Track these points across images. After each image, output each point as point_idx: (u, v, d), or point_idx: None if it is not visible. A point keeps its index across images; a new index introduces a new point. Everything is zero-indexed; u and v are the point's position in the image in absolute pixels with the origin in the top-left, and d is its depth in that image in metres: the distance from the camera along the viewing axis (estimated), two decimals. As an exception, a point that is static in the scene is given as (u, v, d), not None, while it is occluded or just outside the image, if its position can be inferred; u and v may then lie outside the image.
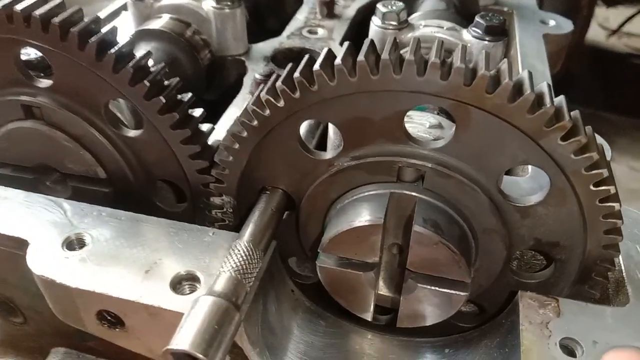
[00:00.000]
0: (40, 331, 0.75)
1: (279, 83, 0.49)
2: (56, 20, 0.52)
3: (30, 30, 0.53)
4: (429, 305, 0.54)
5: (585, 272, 0.54)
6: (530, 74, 0.46)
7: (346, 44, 0.49)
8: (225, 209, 0.60)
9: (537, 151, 0.47)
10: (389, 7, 0.81)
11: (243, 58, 0.88)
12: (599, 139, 0.71)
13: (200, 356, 0.42)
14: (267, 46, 0.92)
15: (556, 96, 0.47)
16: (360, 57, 0.46)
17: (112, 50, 0.52)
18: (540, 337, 0.49)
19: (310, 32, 0.97)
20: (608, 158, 0.70)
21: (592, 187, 0.48)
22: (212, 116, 0.78)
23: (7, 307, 0.74)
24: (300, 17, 1.03)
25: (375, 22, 0.82)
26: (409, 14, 1.00)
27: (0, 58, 0.57)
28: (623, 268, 0.56)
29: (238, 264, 0.49)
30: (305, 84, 0.48)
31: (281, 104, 0.50)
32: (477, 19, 0.78)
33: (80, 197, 0.61)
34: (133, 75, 0.52)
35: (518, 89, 0.44)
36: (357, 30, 0.97)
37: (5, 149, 0.63)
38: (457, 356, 0.58)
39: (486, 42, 0.78)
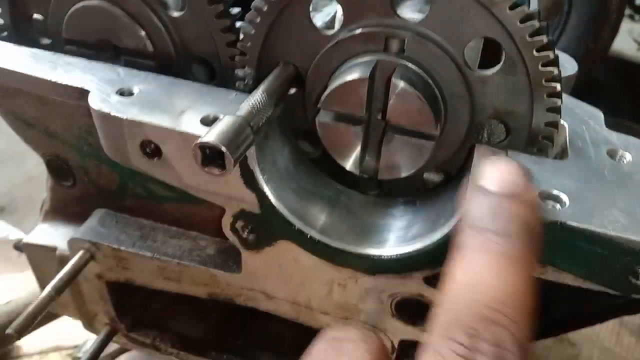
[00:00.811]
0: (85, 193, 0.90)
1: (294, -39, 0.63)
2: None
3: None
4: (403, 156, 0.67)
5: (533, 136, 0.66)
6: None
7: None
8: (246, 81, 0.74)
9: (493, 22, 0.60)
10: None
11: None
12: (565, 57, 0.83)
13: (224, 148, 0.55)
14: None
15: None
16: None
17: None
18: (487, 172, 0.61)
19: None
20: (573, 71, 0.83)
21: (535, 53, 0.60)
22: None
23: (61, 169, 0.89)
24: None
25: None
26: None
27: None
28: (568, 140, 0.68)
29: (255, 102, 0.63)
30: (315, -39, 0.61)
31: (296, -21, 0.63)
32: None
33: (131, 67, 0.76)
34: (181, -44, 0.66)
35: (478, -37, 0.57)
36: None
37: (74, 25, 0.78)
38: (426, 205, 0.71)
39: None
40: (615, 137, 0.68)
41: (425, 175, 0.73)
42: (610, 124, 0.75)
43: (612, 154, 0.65)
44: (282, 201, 0.67)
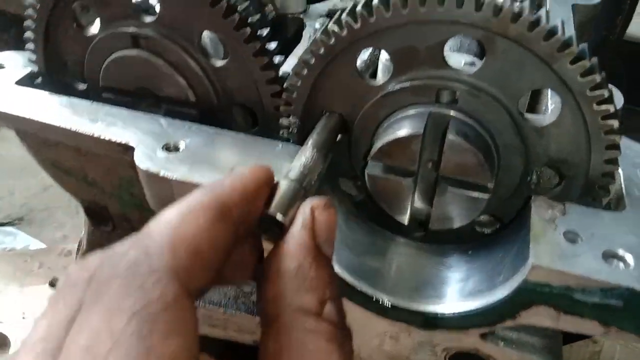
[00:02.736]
0: (125, 238, 0.89)
1: (343, 15, 0.61)
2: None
3: (144, -26, 0.66)
4: (456, 207, 0.66)
5: (589, 186, 0.65)
6: (547, 12, 0.57)
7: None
8: (290, 130, 0.73)
9: (551, 75, 0.58)
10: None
11: (301, 16, 1.01)
12: (611, 87, 0.82)
13: (281, 218, 0.54)
14: (323, 6, 1.04)
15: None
16: (412, -8, 0.57)
17: (210, -11, 0.65)
18: (547, 229, 0.60)
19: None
20: (620, 104, 0.81)
21: (595, 106, 0.58)
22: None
23: (100, 216, 0.88)
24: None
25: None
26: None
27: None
28: (623, 187, 0.67)
29: (305, 162, 0.61)
30: (365, 16, 0.60)
31: (344, 33, 0.62)
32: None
33: (171, 116, 0.75)
34: (226, 10, 0.65)
35: (536, 21, 0.56)
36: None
37: (112, 74, 0.77)
38: (479, 255, 0.70)
39: None
40: (672, 182, 0.67)
41: (477, 222, 0.72)
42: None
43: (671, 202, 0.64)
44: (337, 260, 0.66)
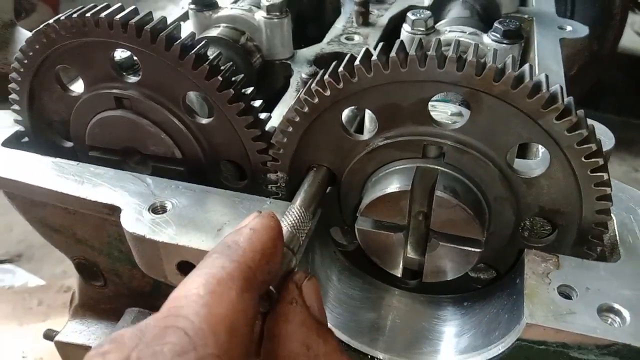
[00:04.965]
0: (117, 293, 0.88)
1: (326, 76, 0.61)
2: (147, 27, 0.65)
3: (126, 35, 0.66)
4: (449, 261, 0.65)
5: (583, 235, 0.64)
6: (530, 67, 0.57)
7: (381, 44, 0.60)
8: (279, 184, 0.72)
9: (538, 130, 0.57)
10: (418, 15, 0.92)
11: (289, 62, 1.01)
12: (602, 128, 0.81)
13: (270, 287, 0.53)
14: (310, 51, 1.04)
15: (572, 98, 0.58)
16: (392, 53, 0.57)
17: (192, 52, 0.65)
18: (541, 284, 0.59)
19: (347, 38, 1.09)
20: (611, 146, 0.80)
21: (583, 159, 0.58)
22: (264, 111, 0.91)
23: (91, 271, 0.87)
24: (338, 25, 1.15)
25: (405, 29, 0.93)
26: (436, 22, 1.12)
27: (98, 58, 0.70)
28: (617, 234, 0.66)
29: (293, 221, 0.60)
30: (348, 77, 0.59)
31: (327, 93, 0.61)
32: (496, 24, 0.89)
33: (158, 175, 0.74)
34: (209, 72, 0.65)
35: (520, 78, 0.55)
36: (390, 36, 1.08)
37: (98, 133, 0.76)
38: (474, 307, 0.69)
39: (504, 45, 0.88)
40: (666, 227, 0.66)
41: (473, 272, 0.71)
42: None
43: (666, 250, 0.63)
44: (335, 322, 0.65)
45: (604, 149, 0.80)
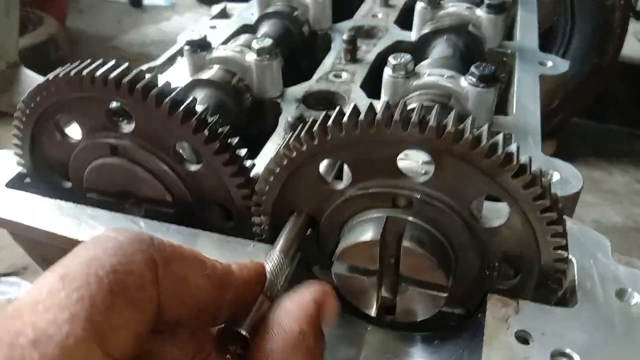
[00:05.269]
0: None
1: (302, 134, 0.66)
2: (139, 85, 0.70)
3: (119, 92, 0.71)
4: (418, 304, 0.69)
5: (543, 280, 0.68)
6: (489, 126, 0.62)
7: (352, 105, 0.65)
8: (262, 227, 0.77)
9: (496, 186, 0.62)
10: (398, 59, 0.97)
11: (279, 100, 1.06)
12: (572, 170, 0.86)
13: (245, 333, 0.58)
14: (299, 89, 1.09)
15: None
16: (360, 117, 0.62)
17: (180, 108, 0.70)
18: (500, 329, 0.63)
19: (335, 76, 1.14)
20: (578, 188, 0.85)
21: (539, 214, 0.62)
22: (255, 147, 0.96)
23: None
24: (327, 62, 1.20)
25: (387, 72, 0.98)
26: (421, 57, 1.17)
27: (95, 110, 0.76)
28: (576, 279, 0.70)
29: (272, 268, 0.65)
30: (322, 135, 0.64)
31: (304, 148, 0.66)
32: (472, 68, 0.94)
33: (151, 215, 0.79)
34: (196, 126, 0.70)
35: (478, 139, 0.60)
36: (377, 73, 1.12)
37: (95, 178, 0.82)
38: (444, 346, 0.73)
39: (479, 89, 0.93)
40: (622, 272, 0.70)
41: (446, 309, 0.75)
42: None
43: (620, 295, 0.67)
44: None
45: (572, 192, 0.85)
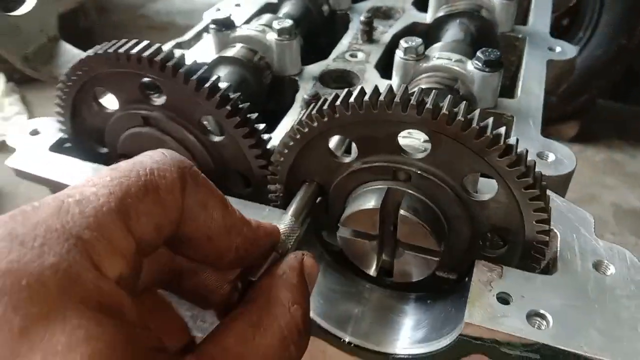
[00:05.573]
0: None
1: (314, 111, 0.74)
2: (169, 63, 0.78)
3: (152, 69, 0.80)
4: (413, 266, 0.78)
5: (527, 251, 0.76)
6: (480, 111, 0.69)
7: (358, 87, 0.72)
8: (277, 194, 0.86)
9: (485, 164, 0.69)
10: (410, 42, 1.03)
11: (297, 78, 1.13)
12: (565, 151, 0.92)
13: (254, 279, 0.67)
14: (316, 68, 1.16)
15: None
16: (365, 98, 0.69)
17: (207, 85, 0.78)
18: (483, 291, 0.71)
19: (351, 55, 1.20)
20: (571, 168, 0.91)
21: (523, 190, 0.69)
22: (273, 121, 1.05)
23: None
24: (344, 41, 1.27)
25: (398, 54, 1.05)
26: (434, 41, 1.23)
27: (129, 85, 0.84)
28: (558, 251, 0.77)
29: (284, 229, 0.74)
30: (331, 113, 0.72)
31: (315, 125, 0.74)
32: (478, 53, 1.00)
33: (177, 181, 0.88)
34: (219, 102, 0.78)
35: (469, 122, 0.67)
36: (391, 53, 1.18)
37: (128, 145, 0.91)
38: (435, 305, 0.82)
39: (484, 73, 0.99)
40: (602, 246, 0.77)
41: (439, 273, 0.83)
42: None
43: (597, 266, 0.74)
44: (315, 310, 0.78)
45: (565, 172, 0.91)
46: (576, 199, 3.50)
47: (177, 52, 0.85)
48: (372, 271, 0.81)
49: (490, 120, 0.69)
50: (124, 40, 0.82)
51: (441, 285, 0.85)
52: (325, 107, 0.72)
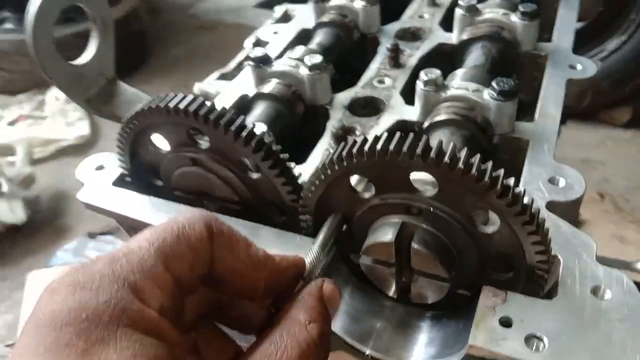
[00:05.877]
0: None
1: (335, 157, 0.84)
2: (211, 116, 0.90)
3: (197, 121, 0.92)
4: (427, 290, 0.88)
5: (530, 276, 0.84)
6: (479, 158, 0.77)
7: (374, 135, 0.82)
8: (307, 223, 0.97)
9: (486, 203, 0.78)
10: (429, 75, 1.12)
11: (327, 106, 1.24)
12: (576, 176, 0.99)
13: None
14: (345, 96, 1.26)
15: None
16: (378, 146, 0.79)
17: (244, 133, 0.90)
18: (488, 315, 0.80)
19: (379, 81, 1.30)
20: (581, 192, 0.98)
21: (521, 226, 0.78)
22: (306, 147, 1.16)
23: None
24: (373, 66, 1.36)
25: (419, 85, 1.13)
26: (459, 61, 1.30)
27: (178, 132, 0.98)
28: (560, 276, 0.85)
29: (311, 259, 0.85)
30: (349, 159, 0.82)
31: (336, 167, 0.85)
32: (493, 84, 1.07)
33: (222, 211, 1.01)
34: (255, 147, 0.90)
35: (468, 169, 0.76)
36: (415, 78, 1.27)
37: (180, 181, 1.04)
38: (450, 322, 0.91)
39: (499, 102, 1.07)
40: (601, 271, 0.84)
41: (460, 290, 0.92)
42: None
43: (595, 291, 0.82)
44: (341, 328, 0.90)
45: (574, 197, 0.98)
46: (633, 187, 3.44)
47: (221, 84, 0.97)
48: (391, 293, 0.92)
49: (490, 164, 0.77)
50: (172, 94, 0.95)
51: (457, 303, 0.94)
52: (344, 153, 0.83)
